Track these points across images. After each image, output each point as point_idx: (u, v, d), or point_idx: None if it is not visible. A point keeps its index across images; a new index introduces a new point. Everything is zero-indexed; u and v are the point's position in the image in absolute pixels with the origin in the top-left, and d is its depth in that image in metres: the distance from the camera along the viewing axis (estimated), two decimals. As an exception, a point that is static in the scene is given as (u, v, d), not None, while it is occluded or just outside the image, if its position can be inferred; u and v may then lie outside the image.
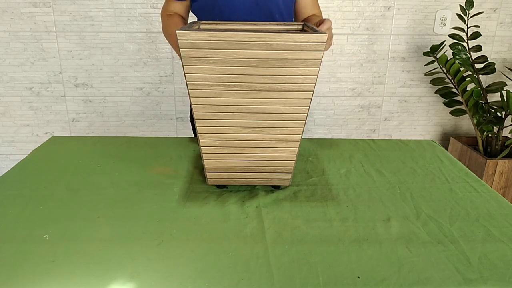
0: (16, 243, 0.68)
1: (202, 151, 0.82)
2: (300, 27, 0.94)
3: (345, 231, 0.72)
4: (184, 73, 0.73)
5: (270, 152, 0.81)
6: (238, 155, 0.82)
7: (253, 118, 0.77)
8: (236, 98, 0.76)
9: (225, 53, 0.71)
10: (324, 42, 0.70)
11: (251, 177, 0.85)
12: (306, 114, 0.77)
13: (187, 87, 0.75)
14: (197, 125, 0.79)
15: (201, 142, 0.81)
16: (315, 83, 0.74)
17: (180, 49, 0.71)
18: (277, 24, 0.95)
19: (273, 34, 0.69)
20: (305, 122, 0.78)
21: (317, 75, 0.73)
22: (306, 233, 0.72)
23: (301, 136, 0.79)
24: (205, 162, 0.83)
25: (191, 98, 0.76)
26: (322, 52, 0.71)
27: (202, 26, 0.93)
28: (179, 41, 0.70)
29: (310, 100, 0.75)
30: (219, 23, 0.94)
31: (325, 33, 0.70)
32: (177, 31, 0.70)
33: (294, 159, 0.81)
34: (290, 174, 0.84)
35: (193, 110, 0.77)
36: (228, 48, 0.71)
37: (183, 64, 0.73)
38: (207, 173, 0.84)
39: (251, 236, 0.71)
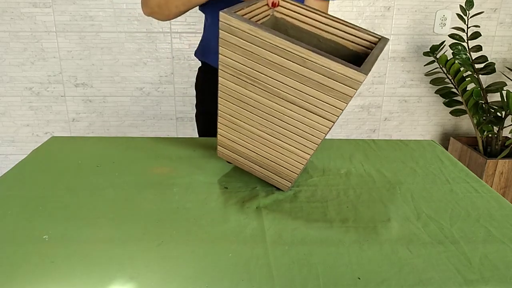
0: (16, 243, 0.68)
1: (218, 127, 0.83)
2: (376, 39, 0.86)
3: (346, 232, 0.72)
4: (219, 54, 0.74)
5: (277, 156, 0.81)
6: (248, 145, 0.83)
7: (270, 121, 0.77)
8: (259, 96, 0.75)
9: (259, 51, 0.70)
10: (360, 82, 0.65)
11: (255, 169, 0.86)
12: (321, 140, 0.74)
13: (218, 67, 0.76)
14: (219, 102, 0.80)
15: (219, 119, 0.82)
16: (338, 116, 0.70)
17: (220, 31, 0.71)
18: (353, 27, 0.88)
19: (311, 52, 0.66)
20: (318, 146, 0.76)
21: (342, 110, 0.69)
22: (306, 234, 0.72)
23: (310, 156, 0.78)
24: (219, 137, 0.85)
25: (219, 77, 0.77)
26: (355, 90, 0.66)
27: (259, 10, 0.88)
28: (220, 22, 0.70)
29: (329, 129, 0.73)
30: (299, 6, 0.89)
31: (365, 74, 0.64)
32: (220, 12, 0.70)
33: (298, 172, 0.81)
34: (290, 183, 0.83)
35: (219, 89, 0.78)
36: (263, 48, 0.70)
37: (220, 45, 0.73)
38: (218, 146, 0.87)
39: (251, 237, 0.70)
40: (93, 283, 0.59)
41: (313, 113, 0.72)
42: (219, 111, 0.81)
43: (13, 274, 0.61)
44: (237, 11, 0.76)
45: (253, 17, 0.84)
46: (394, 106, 2.18)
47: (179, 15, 1.06)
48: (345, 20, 0.89)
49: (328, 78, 0.67)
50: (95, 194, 0.83)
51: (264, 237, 0.70)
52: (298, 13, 0.89)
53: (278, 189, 0.87)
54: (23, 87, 2.03)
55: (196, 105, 1.31)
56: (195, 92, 1.30)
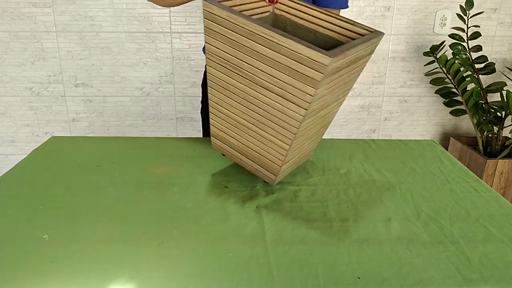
0: (16, 243, 0.68)
1: (210, 117, 0.86)
2: (366, 32, 0.83)
3: (345, 232, 0.72)
4: (205, 43, 0.76)
5: (261, 147, 0.81)
6: (236, 135, 0.84)
7: (252, 109, 0.78)
8: (241, 84, 0.76)
9: (238, 38, 0.72)
10: (326, 66, 0.64)
11: (244, 161, 0.87)
12: (297, 129, 0.73)
13: (205, 56, 0.78)
14: (208, 91, 0.82)
15: (210, 109, 0.84)
16: (310, 103, 0.69)
17: (204, 19, 0.74)
18: (348, 21, 0.86)
19: (280, 36, 0.67)
20: (295, 136, 0.75)
21: (313, 96, 0.68)
22: (306, 233, 0.72)
23: (290, 148, 0.77)
24: (211, 127, 0.87)
25: (206, 66, 0.79)
26: (322, 75, 0.65)
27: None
28: (203, 11, 0.73)
29: (303, 117, 0.71)
30: (298, 3, 0.90)
31: (329, 57, 0.63)
32: (203, 1, 0.72)
33: (280, 164, 0.80)
34: (275, 176, 0.83)
35: (208, 78, 0.80)
36: (241, 35, 0.71)
37: (205, 33, 0.75)
38: (211, 137, 0.89)
39: (251, 236, 0.71)
40: (94, 283, 0.59)
41: (287, 100, 0.72)
42: (209, 101, 0.83)
43: (13, 274, 0.61)
44: (223, 0, 0.77)
45: (247, 10, 0.85)
46: (394, 106, 2.18)
47: (182, 4, 1.07)
48: (343, 16, 0.89)
49: (297, 62, 0.67)
50: (95, 194, 0.84)
51: (264, 236, 0.71)
52: (297, 10, 0.90)
53: (278, 188, 0.87)
54: (23, 87, 2.03)
55: (201, 101, 1.32)
56: (201, 88, 1.32)
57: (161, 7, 1.31)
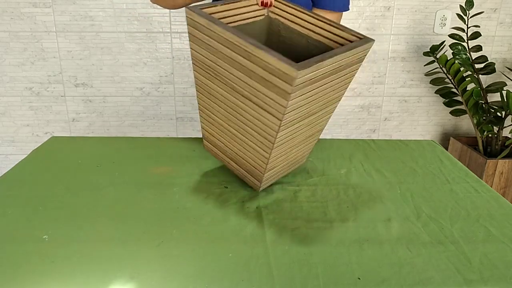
0: (16, 243, 0.68)
1: (200, 120, 0.87)
2: (356, 39, 0.81)
3: (345, 232, 0.72)
4: (190, 49, 0.78)
5: (245, 153, 0.81)
6: (223, 140, 0.85)
7: (234, 116, 0.78)
8: (223, 91, 0.77)
9: (217, 45, 0.72)
10: (295, 78, 0.62)
11: (232, 165, 0.87)
12: (275, 138, 0.72)
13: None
14: (196, 96, 0.84)
15: (199, 112, 0.86)
16: (285, 114, 0.68)
17: (187, 26, 0.75)
18: (340, 28, 0.84)
19: (253, 46, 0.65)
20: (274, 145, 0.74)
21: (286, 107, 0.66)
22: (306, 233, 0.72)
23: (270, 156, 0.76)
24: (202, 130, 0.88)
25: (193, 71, 0.81)
26: (291, 87, 0.63)
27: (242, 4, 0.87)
28: (186, 18, 0.74)
29: (278, 127, 0.70)
30: (292, 7, 0.89)
31: (297, 70, 0.61)
32: (185, 8, 0.73)
33: (263, 172, 0.80)
34: (260, 183, 0.83)
35: (195, 82, 0.82)
36: (219, 42, 0.71)
37: (189, 40, 0.77)
38: (203, 140, 0.90)
39: (251, 236, 0.71)
40: (94, 283, 0.59)
41: (263, 110, 0.71)
42: (198, 105, 0.85)
43: (13, 274, 0.61)
44: (208, 7, 0.78)
45: (242, 13, 0.85)
46: (394, 106, 2.18)
47: (184, 6, 1.08)
48: (335, 22, 0.88)
49: (269, 73, 0.66)
50: (95, 194, 0.84)
51: (264, 236, 0.71)
52: (291, 14, 0.90)
53: (278, 188, 0.87)
54: (23, 87, 2.03)
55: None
56: None
57: (162, 8, 1.33)
